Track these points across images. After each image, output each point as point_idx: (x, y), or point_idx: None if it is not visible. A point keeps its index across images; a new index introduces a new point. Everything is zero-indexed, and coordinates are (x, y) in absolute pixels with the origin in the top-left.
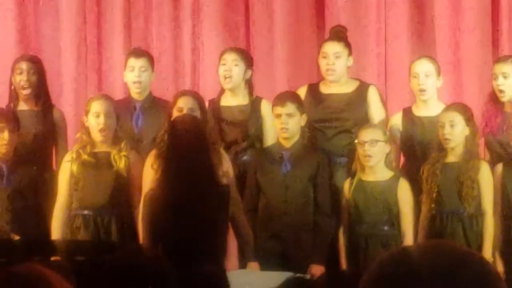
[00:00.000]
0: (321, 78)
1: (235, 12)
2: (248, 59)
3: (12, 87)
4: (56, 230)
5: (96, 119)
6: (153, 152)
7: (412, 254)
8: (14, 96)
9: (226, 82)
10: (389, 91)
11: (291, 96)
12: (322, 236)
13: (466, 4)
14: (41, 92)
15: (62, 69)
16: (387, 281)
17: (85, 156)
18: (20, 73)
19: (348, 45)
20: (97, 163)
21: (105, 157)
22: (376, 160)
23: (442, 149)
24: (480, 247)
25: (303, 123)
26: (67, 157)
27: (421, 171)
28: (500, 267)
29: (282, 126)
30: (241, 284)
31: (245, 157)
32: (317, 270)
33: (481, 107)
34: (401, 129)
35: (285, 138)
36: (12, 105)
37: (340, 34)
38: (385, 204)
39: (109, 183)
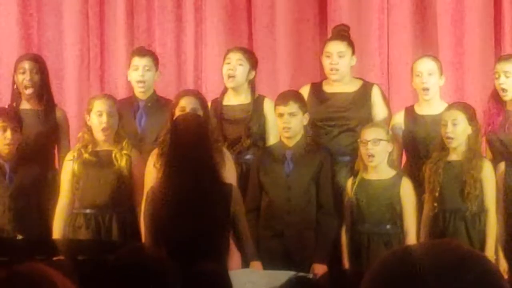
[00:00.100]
0: (324, 77)
1: (238, 11)
2: (252, 60)
3: (15, 86)
4: (58, 229)
5: (98, 118)
6: (156, 151)
7: (415, 253)
8: (16, 95)
9: (229, 81)
10: (392, 90)
11: (293, 95)
12: (324, 235)
13: (469, 3)
14: (43, 92)
15: (65, 68)
16: (389, 280)
17: (86, 155)
18: (23, 72)
19: (351, 44)
20: (98, 162)
21: (107, 155)
22: (379, 159)
23: (444, 148)
24: (483, 246)
25: (305, 122)
26: (69, 156)
27: (423, 169)
28: (503, 265)
29: (284, 125)
30: (243, 283)
31: (247, 156)
32: (319, 269)
33: (483, 105)
34: (403, 127)
35: (288, 137)
36: (14, 104)
37: (343, 33)
38: (388, 202)
39: (111, 181)
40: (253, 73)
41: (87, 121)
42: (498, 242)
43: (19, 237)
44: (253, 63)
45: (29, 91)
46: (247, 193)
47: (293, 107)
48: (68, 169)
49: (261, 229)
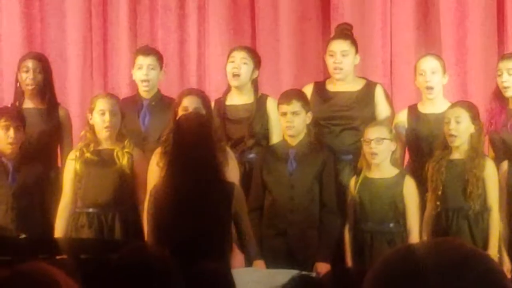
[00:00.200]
0: (327, 76)
1: (241, 10)
2: (256, 59)
3: (18, 85)
4: (60, 229)
5: (101, 116)
6: (159, 150)
7: (417, 251)
8: (19, 94)
9: (234, 80)
10: (395, 88)
11: (296, 94)
12: (327, 233)
13: (471, 2)
14: (46, 90)
15: (68, 67)
16: (392, 278)
17: (88, 154)
18: (26, 71)
19: (354, 43)
20: (100, 161)
21: (109, 154)
22: (382, 158)
23: (446, 146)
24: (486, 244)
25: (308, 121)
26: (71, 155)
27: (426, 168)
28: (506, 264)
29: (287, 124)
30: (246, 282)
31: (251, 155)
32: (323, 267)
33: (485, 104)
34: (406, 126)
35: (291, 136)
36: (17, 103)
37: (346, 32)
38: (391, 201)
39: (113, 180)
40: (256, 72)
41: (89, 120)
42: (501, 241)
43: (22, 236)
44: (257, 62)
45: (32, 90)
46: (250, 192)
47: (296, 106)
48: (70, 168)
49: (264, 228)
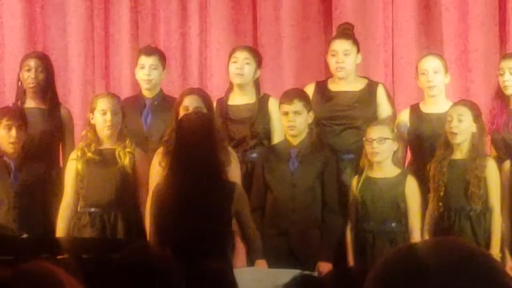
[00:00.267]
0: (329, 76)
1: (243, 10)
2: (258, 59)
3: (20, 84)
4: (62, 228)
5: (102, 116)
6: (161, 150)
7: (419, 251)
8: (21, 93)
9: (236, 78)
10: (397, 88)
11: (298, 94)
12: (329, 233)
13: (473, 1)
14: (48, 90)
15: (70, 67)
16: (394, 278)
17: (90, 154)
18: (28, 70)
19: (356, 42)
20: (102, 161)
21: (110, 154)
22: (384, 158)
23: (448, 146)
24: (488, 244)
25: (310, 120)
26: (73, 155)
27: (427, 168)
28: (508, 264)
29: (289, 124)
30: (248, 282)
31: (253, 155)
32: (324, 267)
33: (487, 104)
34: (408, 125)
35: (292, 136)
36: (19, 102)
37: (347, 32)
38: (393, 200)
39: (114, 180)
40: (258, 72)
41: (90, 120)
42: (503, 240)
43: (24, 235)
44: (259, 62)
45: (32, 85)
46: (252, 191)
47: (298, 105)
48: (71, 168)
49: (266, 227)
